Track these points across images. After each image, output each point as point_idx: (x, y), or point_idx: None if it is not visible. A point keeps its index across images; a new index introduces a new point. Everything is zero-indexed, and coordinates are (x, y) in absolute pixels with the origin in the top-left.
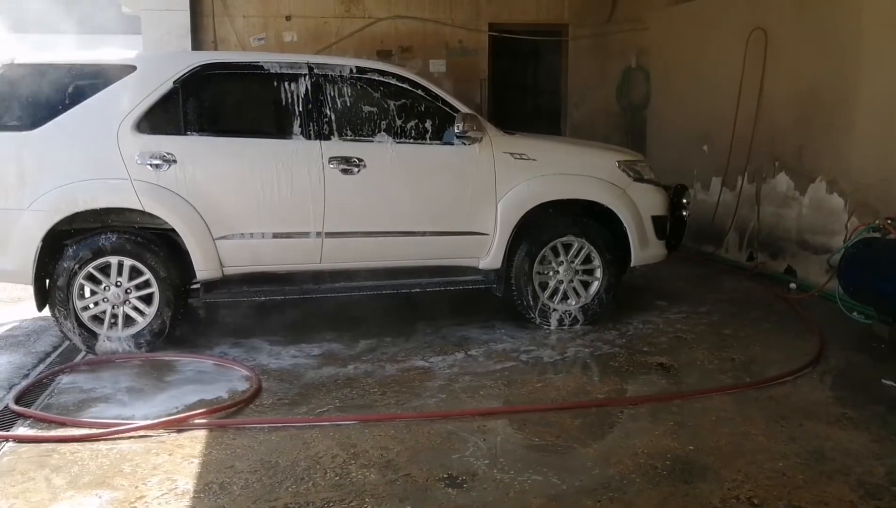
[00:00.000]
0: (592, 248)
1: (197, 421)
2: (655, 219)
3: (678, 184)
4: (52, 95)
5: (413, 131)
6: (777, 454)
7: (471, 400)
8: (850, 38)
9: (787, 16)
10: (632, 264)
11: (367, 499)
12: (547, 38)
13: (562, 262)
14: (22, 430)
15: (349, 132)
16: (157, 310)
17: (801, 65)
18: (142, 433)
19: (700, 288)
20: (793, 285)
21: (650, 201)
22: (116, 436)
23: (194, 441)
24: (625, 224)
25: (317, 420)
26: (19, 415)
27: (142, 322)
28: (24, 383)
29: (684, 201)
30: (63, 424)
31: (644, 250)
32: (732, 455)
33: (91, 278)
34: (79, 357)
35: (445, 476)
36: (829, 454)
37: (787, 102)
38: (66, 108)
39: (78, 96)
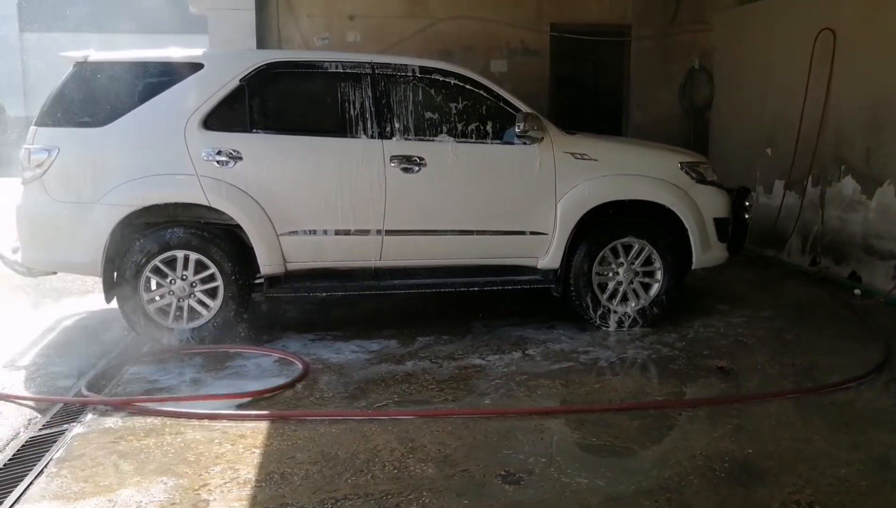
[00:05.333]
0: (653, 249)
1: (258, 412)
2: (717, 221)
3: (741, 186)
4: (123, 92)
5: (474, 131)
6: (840, 460)
7: (528, 399)
8: None
9: (858, 16)
10: (693, 267)
11: (424, 493)
12: (610, 38)
13: (622, 263)
14: (90, 416)
15: (411, 131)
16: (222, 304)
17: (871, 66)
18: (205, 422)
19: (762, 292)
20: (857, 291)
21: (712, 203)
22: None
23: (256, 432)
24: (686, 226)
25: (376, 414)
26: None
27: (206, 315)
28: (93, 372)
29: (747, 203)
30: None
31: (705, 252)
32: (793, 460)
33: (157, 271)
34: (145, 348)
35: (503, 472)
36: (895, 462)
37: (854, 105)
38: (135, 104)
39: (147, 93)
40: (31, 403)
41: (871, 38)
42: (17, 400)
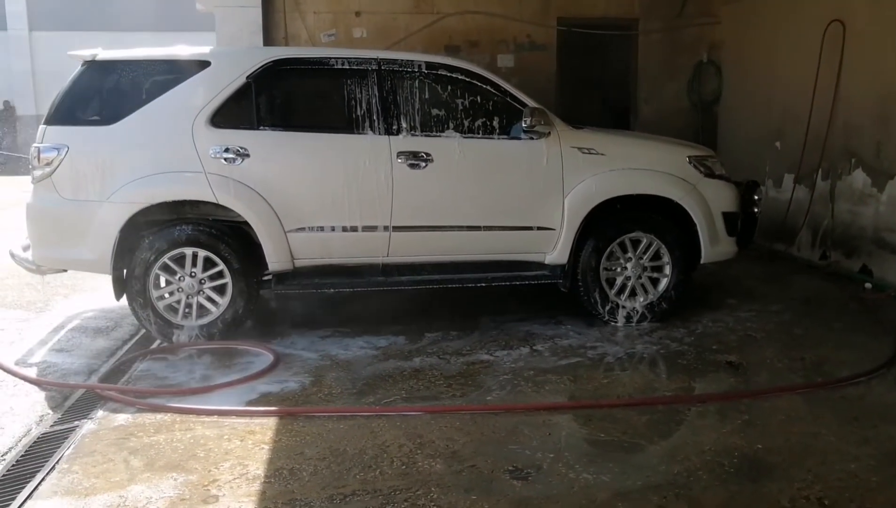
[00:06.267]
0: (661, 244)
1: (267, 409)
2: (726, 215)
3: (749, 180)
4: (131, 91)
5: (481, 126)
6: (849, 455)
7: (536, 395)
8: None
9: (867, 7)
10: (701, 261)
11: (433, 488)
12: (617, 32)
13: (630, 258)
14: (101, 413)
15: (417, 127)
16: (230, 300)
17: (882, 58)
18: (215, 418)
19: (771, 287)
20: (868, 285)
21: (721, 198)
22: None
23: (265, 428)
24: (695, 220)
25: (384, 410)
26: (104, 397)
27: (215, 312)
28: (104, 369)
29: (755, 197)
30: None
31: (714, 246)
32: (802, 455)
33: (166, 268)
34: (154, 345)
35: (511, 468)
36: None
37: (865, 97)
38: (143, 102)
39: (155, 91)
40: (53, 389)
41: (881, 29)
42: (45, 385)
